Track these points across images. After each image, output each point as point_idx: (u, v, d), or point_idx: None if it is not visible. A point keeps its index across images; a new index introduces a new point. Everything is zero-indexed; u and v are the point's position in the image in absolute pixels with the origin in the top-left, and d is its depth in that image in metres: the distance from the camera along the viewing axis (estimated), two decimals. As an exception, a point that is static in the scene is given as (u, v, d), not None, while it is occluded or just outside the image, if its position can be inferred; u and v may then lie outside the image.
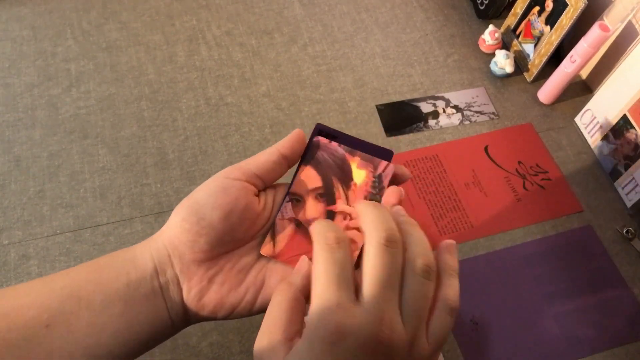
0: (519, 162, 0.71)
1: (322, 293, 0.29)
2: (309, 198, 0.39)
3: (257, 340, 0.31)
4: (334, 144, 0.40)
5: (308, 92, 0.74)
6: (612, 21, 0.68)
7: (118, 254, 0.37)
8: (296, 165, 0.40)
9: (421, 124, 0.73)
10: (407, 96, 0.75)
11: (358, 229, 0.36)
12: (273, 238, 0.39)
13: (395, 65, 0.78)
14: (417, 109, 0.74)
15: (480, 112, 0.75)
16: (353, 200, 0.39)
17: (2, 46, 0.74)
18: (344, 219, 0.39)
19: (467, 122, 0.74)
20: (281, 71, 0.76)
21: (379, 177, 0.40)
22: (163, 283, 0.36)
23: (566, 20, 0.70)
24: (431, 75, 0.78)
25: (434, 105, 0.75)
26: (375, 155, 0.40)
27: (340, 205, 0.39)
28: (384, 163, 0.40)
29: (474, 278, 0.61)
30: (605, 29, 0.66)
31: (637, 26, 0.68)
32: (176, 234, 0.36)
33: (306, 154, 0.39)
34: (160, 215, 0.63)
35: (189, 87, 0.73)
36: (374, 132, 0.71)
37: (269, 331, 0.31)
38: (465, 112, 0.75)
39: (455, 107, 0.75)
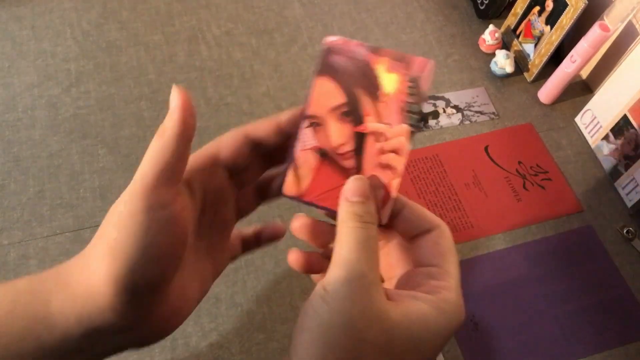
0: (519, 162, 0.71)
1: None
2: (331, 119, 0.32)
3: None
4: (354, 43, 0.31)
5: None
6: (612, 21, 0.68)
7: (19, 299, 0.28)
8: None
9: (421, 124, 0.73)
10: (407, 96, 0.75)
11: (396, 151, 0.31)
12: (296, 173, 0.32)
13: (395, 65, 0.78)
14: (417, 109, 0.74)
15: (481, 112, 0.75)
16: (386, 116, 0.31)
17: (2, 46, 0.74)
18: (377, 140, 0.31)
19: (467, 122, 0.74)
20: (281, 71, 0.76)
21: (416, 80, 0.32)
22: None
23: (566, 20, 0.70)
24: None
25: (434, 105, 0.75)
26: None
27: (370, 125, 0.31)
28: (420, 59, 0.31)
29: (474, 278, 0.61)
30: (605, 29, 0.66)
31: (637, 26, 0.68)
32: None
33: (319, 64, 0.32)
34: (160, 215, 0.63)
35: (189, 87, 0.73)
36: (374, 132, 0.71)
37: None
38: (465, 112, 0.75)
39: (456, 107, 0.75)
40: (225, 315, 0.57)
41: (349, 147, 0.32)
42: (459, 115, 0.74)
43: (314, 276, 0.33)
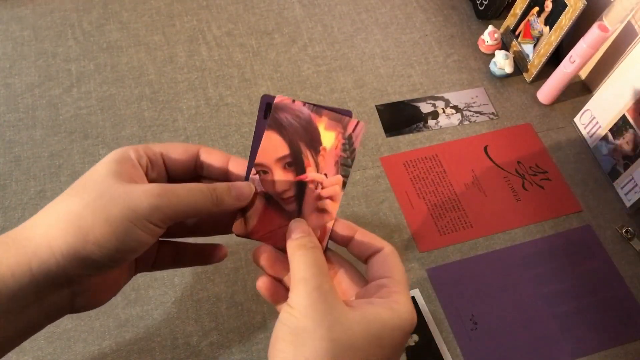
0: (519, 162, 0.71)
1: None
2: (276, 168, 0.36)
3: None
4: (299, 103, 0.36)
5: (308, 92, 0.75)
6: (612, 22, 0.68)
7: None
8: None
9: (421, 124, 0.73)
10: (407, 96, 0.76)
11: (331, 198, 0.36)
12: (243, 215, 0.36)
13: (395, 65, 0.79)
14: (417, 109, 0.75)
15: (480, 113, 0.75)
16: (324, 168, 0.36)
17: (3, 46, 0.74)
18: (316, 188, 0.36)
19: (467, 122, 0.74)
20: (281, 71, 0.76)
21: (349, 138, 0.36)
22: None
23: (565, 21, 0.71)
24: (431, 76, 0.78)
25: (434, 105, 0.75)
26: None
27: (311, 175, 0.36)
28: (353, 121, 0.36)
29: (474, 278, 0.61)
30: (604, 29, 0.66)
31: (636, 27, 0.68)
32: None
33: (265, 119, 0.36)
34: (161, 215, 0.63)
35: (190, 88, 0.73)
36: (373, 132, 0.72)
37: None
38: (464, 113, 0.75)
39: (455, 107, 0.75)
40: (225, 315, 0.57)
41: (291, 193, 0.36)
42: (459, 115, 0.75)
43: (278, 307, 0.37)
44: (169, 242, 0.41)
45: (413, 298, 0.59)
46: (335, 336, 0.30)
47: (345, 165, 0.36)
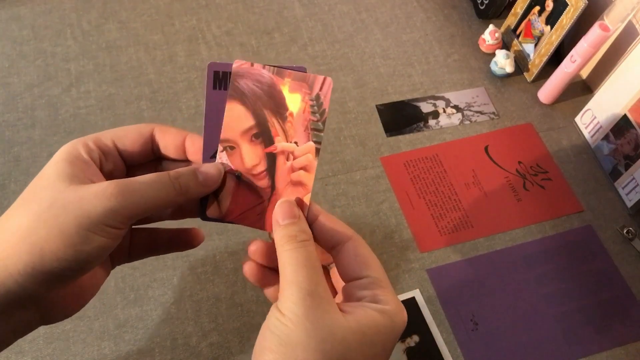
0: (519, 162, 0.71)
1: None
2: (243, 142, 0.33)
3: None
4: (258, 66, 0.32)
5: (308, 92, 0.74)
6: (613, 21, 0.68)
7: None
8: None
9: (421, 124, 0.73)
10: (407, 96, 0.75)
11: (305, 168, 0.33)
12: (216, 197, 0.34)
13: (395, 65, 0.78)
14: (417, 109, 0.74)
15: (481, 112, 0.75)
16: (293, 135, 0.33)
17: (1, 46, 0.74)
18: (287, 159, 0.33)
19: (467, 122, 0.74)
20: (281, 71, 0.76)
21: (317, 98, 0.33)
22: None
23: (566, 20, 0.70)
24: (431, 75, 0.78)
25: (434, 105, 0.75)
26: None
27: (280, 145, 0.33)
28: (320, 78, 0.32)
29: (474, 278, 0.61)
30: (605, 28, 0.66)
31: (637, 26, 0.68)
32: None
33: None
34: (160, 215, 0.63)
35: (189, 87, 0.73)
36: (374, 132, 0.71)
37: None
38: (465, 112, 0.75)
39: (456, 107, 0.75)
40: (225, 315, 0.57)
41: (261, 167, 0.34)
42: (459, 115, 0.74)
43: (266, 291, 0.35)
44: (140, 229, 0.38)
45: (413, 298, 0.59)
46: (328, 348, 0.28)
47: (316, 129, 0.33)
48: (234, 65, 0.32)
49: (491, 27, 0.79)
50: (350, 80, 0.76)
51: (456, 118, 0.74)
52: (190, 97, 0.72)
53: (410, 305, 0.59)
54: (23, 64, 0.73)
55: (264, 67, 0.32)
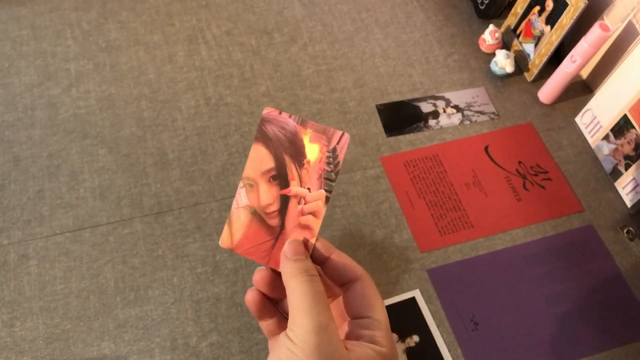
0: (520, 162, 0.71)
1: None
2: (262, 181, 0.36)
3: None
4: (285, 115, 0.36)
5: (308, 91, 0.74)
6: (613, 21, 0.68)
7: None
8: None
9: (421, 124, 0.73)
10: (407, 96, 0.75)
11: (314, 214, 0.35)
12: (230, 229, 0.36)
13: (395, 65, 0.78)
14: (417, 108, 0.74)
15: (481, 112, 0.75)
16: (307, 181, 0.36)
17: (1, 46, 0.74)
18: (299, 202, 0.36)
19: (468, 122, 0.74)
20: (281, 71, 0.76)
21: (334, 150, 0.35)
22: None
23: (566, 20, 0.70)
24: (431, 75, 0.78)
25: (434, 105, 0.75)
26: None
27: (294, 188, 0.36)
28: (338, 133, 0.35)
29: (474, 278, 0.61)
30: (605, 28, 0.66)
31: (637, 26, 0.68)
32: None
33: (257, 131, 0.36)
34: (160, 215, 0.63)
35: (189, 87, 0.73)
36: (374, 132, 0.71)
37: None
38: (465, 112, 0.75)
39: (456, 107, 0.75)
40: (225, 315, 0.57)
41: (275, 207, 0.36)
42: (459, 115, 0.74)
43: (262, 323, 0.36)
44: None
45: (413, 298, 0.59)
46: None
47: (328, 179, 0.35)
48: (264, 112, 0.35)
49: (491, 27, 0.79)
50: (351, 80, 0.76)
51: (456, 118, 0.74)
52: (190, 97, 0.72)
53: (410, 305, 0.59)
54: (23, 64, 0.73)
55: (290, 117, 0.36)
